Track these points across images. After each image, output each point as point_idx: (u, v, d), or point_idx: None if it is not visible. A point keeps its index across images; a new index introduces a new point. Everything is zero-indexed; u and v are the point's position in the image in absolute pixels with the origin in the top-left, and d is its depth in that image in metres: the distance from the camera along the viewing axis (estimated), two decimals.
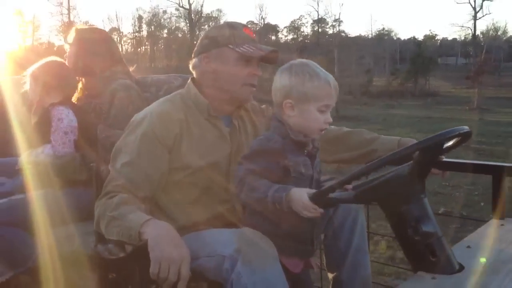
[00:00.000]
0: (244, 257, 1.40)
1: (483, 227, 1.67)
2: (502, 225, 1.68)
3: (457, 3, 65.33)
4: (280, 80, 1.55)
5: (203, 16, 48.07)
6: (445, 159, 1.67)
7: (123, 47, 48.98)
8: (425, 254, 1.31)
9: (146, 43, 53.03)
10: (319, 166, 1.65)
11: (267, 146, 1.50)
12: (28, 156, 2.30)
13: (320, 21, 55.19)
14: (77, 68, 2.51)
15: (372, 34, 56.45)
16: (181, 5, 42.57)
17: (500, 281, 1.24)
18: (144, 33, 53.95)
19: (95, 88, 2.48)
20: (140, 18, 51.76)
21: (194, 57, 1.81)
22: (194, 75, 1.83)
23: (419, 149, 1.33)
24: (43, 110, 2.36)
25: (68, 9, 41.74)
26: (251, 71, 1.75)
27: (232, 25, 1.78)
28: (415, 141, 1.82)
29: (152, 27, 51.89)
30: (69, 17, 41.51)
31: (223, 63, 1.74)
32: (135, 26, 52.30)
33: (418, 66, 25.72)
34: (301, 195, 1.41)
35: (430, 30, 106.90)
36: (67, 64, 2.53)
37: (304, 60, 1.60)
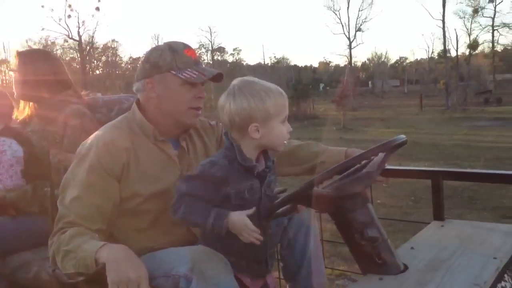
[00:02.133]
0: (199, 275, 1.41)
1: (425, 229, 1.79)
2: (442, 226, 1.80)
3: (334, 34, 72.57)
4: (236, 104, 1.50)
5: (97, 48, 46.55)
6: (387, 166, 1.76)
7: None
8: (371, 257, 1.40)
9: None
10: (274, 183, 1.64)
11: (209, 173, 1.49)
12: None
13: (219, 50, 57.58)
14: (24, 96, 2.44)
15: (264, 62, 60.19)
16: (70, 36, 39.67)
17: (440, 278, 1.35)
18: None
19: (46, 115, 2.40)
20: None
21: (136, 81, 1.79)
22: (139, 99, 1.81)
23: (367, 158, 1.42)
24: None
25: None
26: (196, 94, 1.74)
27: (173, 48, 1.74)
28: (361, 151, 1.93)
29: None
30: None
31: (166, 88, 1.72)
32: None
33: (299, 92, 28.11)
34: (242, 219, 1.43)
35: (324, 58, 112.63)
36: (15, 91, 2.48)
37: (247, 78, 1.57)
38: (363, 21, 48.69)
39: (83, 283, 1.54)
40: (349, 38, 48.04)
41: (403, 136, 1.47)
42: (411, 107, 34.41)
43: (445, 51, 43.69)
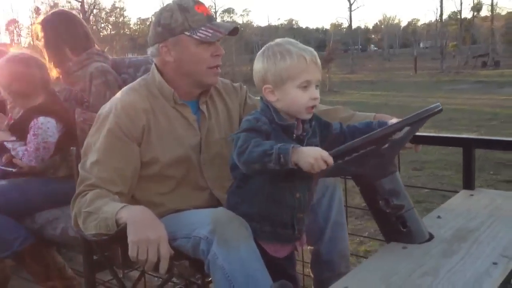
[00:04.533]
0: (219, 238, 1.40)
1: (454, 198, 1.73)
2: (471, 195, 1.74)
3: None
4: (256, 65, 1.48)
5: (103, 9, 46.19)
6: (417, 133, 1.70)
7: (26, 40, 45.42)
8: (396, 226, 1.37)
9: None
10: (315, 145, 1.51)
11: (257, 126, 1.42)
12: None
13: (227, 11, 59.10)
14: (50, 58, 2.41)
15: (270, 24, 61.48)
16: None
17: (466, 248, 1.30)
18: None
19: (72, 74, 2.39)
20: (37, 9, 48.74)
21: (150, 45, 1.74)
22: (156, 63, 1.77)
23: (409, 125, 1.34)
24: (22, 113, 2.27)
25: None
26: (213, 53, 1.69)
27: (183, 7, 1.67)
28: (389, 117, 1.87)
29: None
30: None
31: (182, 51, 1.67)
32: (33, 18, 48.01)
33: None
34: (315, 148, 1.30)
35: (336, 19, 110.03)
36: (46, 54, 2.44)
37: (279, 40, 1.50)
38: None
39: (106, 241, 1.57)
40: (349, 0, 47.51)
41: (438, 103, 1.39)
42: (409, 70, 34.48)
43: (441, 14, 44.09)
